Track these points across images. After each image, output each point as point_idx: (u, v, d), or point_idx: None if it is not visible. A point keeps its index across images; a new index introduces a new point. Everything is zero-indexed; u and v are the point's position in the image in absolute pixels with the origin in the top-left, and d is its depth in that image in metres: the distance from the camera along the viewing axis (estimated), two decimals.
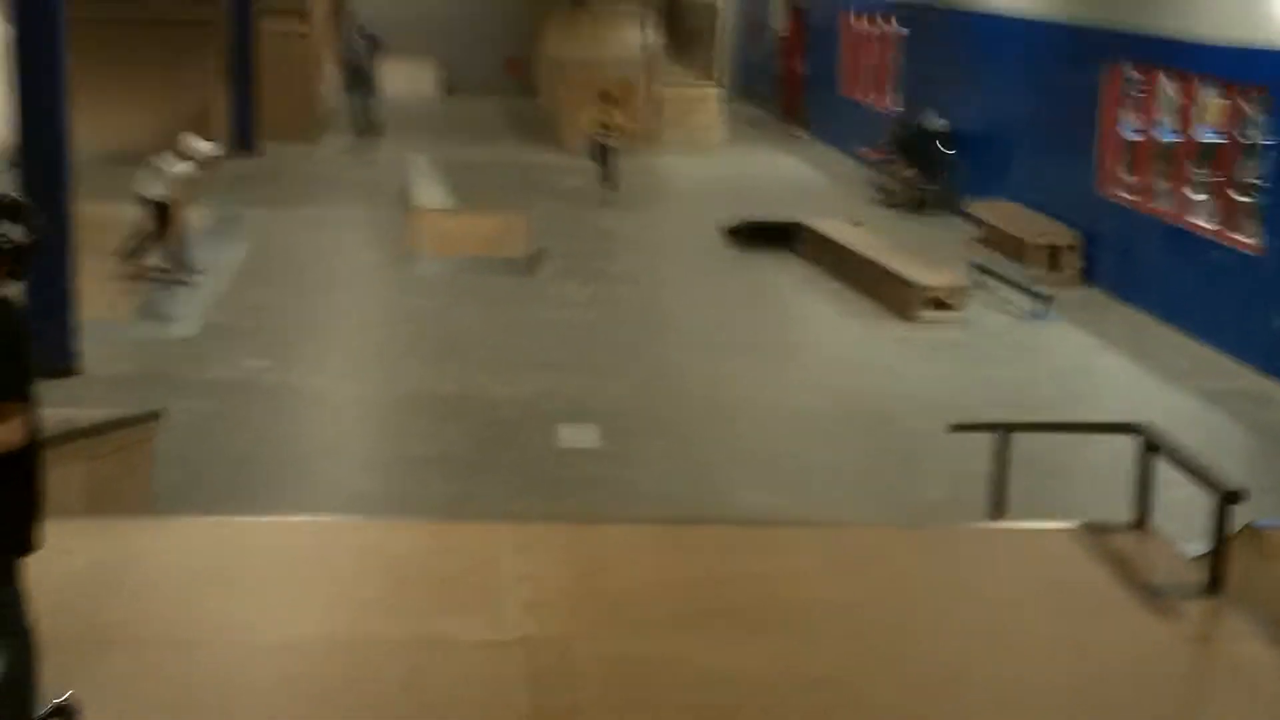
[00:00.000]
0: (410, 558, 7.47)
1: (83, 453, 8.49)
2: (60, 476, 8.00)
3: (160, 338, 14.76)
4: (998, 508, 9.48)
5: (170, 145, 17.55)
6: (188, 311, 15.67)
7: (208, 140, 18.44)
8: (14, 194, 5.76)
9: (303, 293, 17.00)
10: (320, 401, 13.28)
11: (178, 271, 16.72)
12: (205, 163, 17.54)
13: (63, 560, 6.52)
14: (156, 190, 16.85)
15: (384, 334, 15.65)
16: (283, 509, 9.95)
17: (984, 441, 9.91)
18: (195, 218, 18.01)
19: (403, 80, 35.20)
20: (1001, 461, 9.51)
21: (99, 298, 14.58)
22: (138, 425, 9.33)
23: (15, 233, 5.33)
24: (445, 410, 13.04)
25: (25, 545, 5.36)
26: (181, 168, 17.10)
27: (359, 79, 29.35)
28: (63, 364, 12.86)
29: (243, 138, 26.45)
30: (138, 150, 24.67)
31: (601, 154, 23.04)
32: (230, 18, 26.45)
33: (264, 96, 27.12)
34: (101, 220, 16.71)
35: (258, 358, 14.22)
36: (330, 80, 32.38)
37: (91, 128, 22.81)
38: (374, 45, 29.88)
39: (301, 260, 18.69)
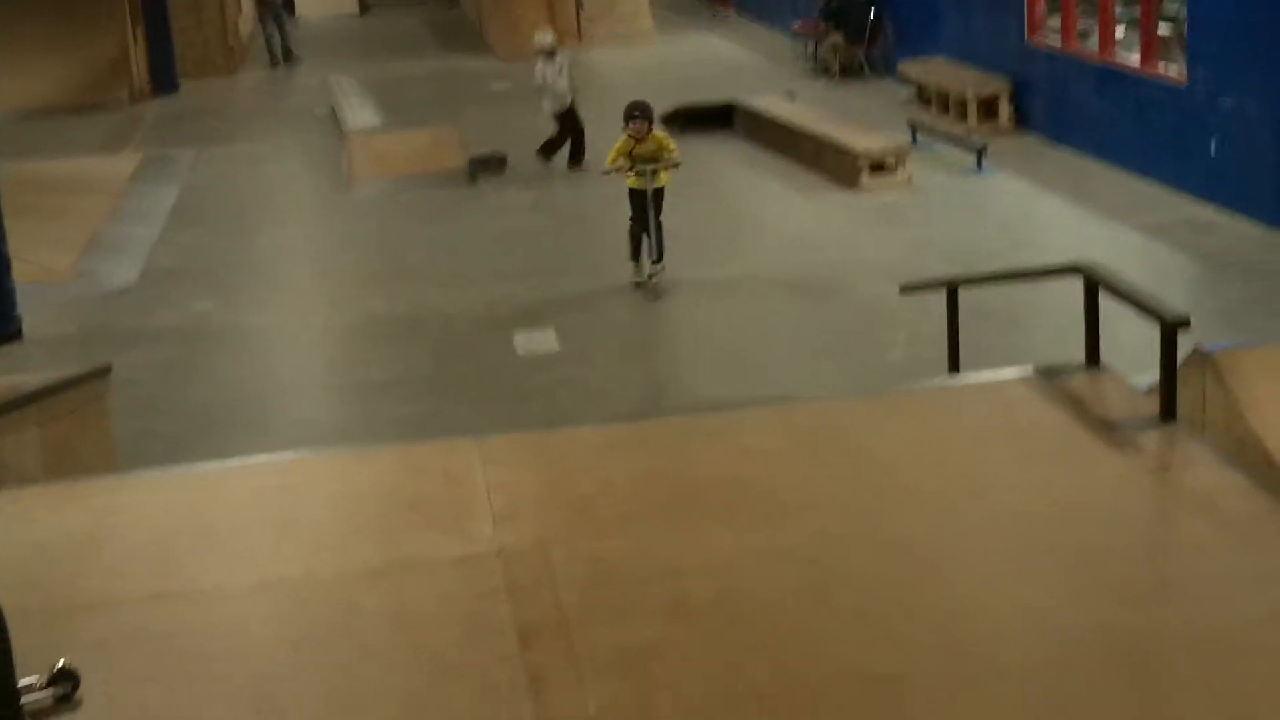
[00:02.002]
0: (378, 484, 7.46)
1: (35, 418, 8.43)
2: (14, 444, 7.99)
3: (101, 291, 14.61)
4: (954, 362, 9.54)
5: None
6: (125, 261, 15.51)
7: None
8: None
9: (240, 229, 16.87)
10: (271, 338, 13.22)
11: None
12: None
13: (26, 529, 6.50)
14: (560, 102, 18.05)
15: (328, 262, 15.56)
16: (246, 451, 9.92)
17: (937, 300, 9.95)
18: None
19: (318, 1, 34.82)
20: (953, 315, 9.55)
21: (34, 259, 14.44)
22: (89, 383, 9.25)
23: None
24: (399, 331, 13.00)
25: None
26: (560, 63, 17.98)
27: (271, 5, 28.98)
28: (2, 330, 12.76)
29: (162, 77, 26.14)
30: (58, 103, 24.50)
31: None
32: None
33: (179, 33, 26.78)
34: (27, 180, 16.54)
35: (202, 300, 14.13)
36: (245, 11, 32.01)
37: (6, 85, 22.60)
38: None
39: (235, 196, 18.53)
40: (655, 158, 13.78)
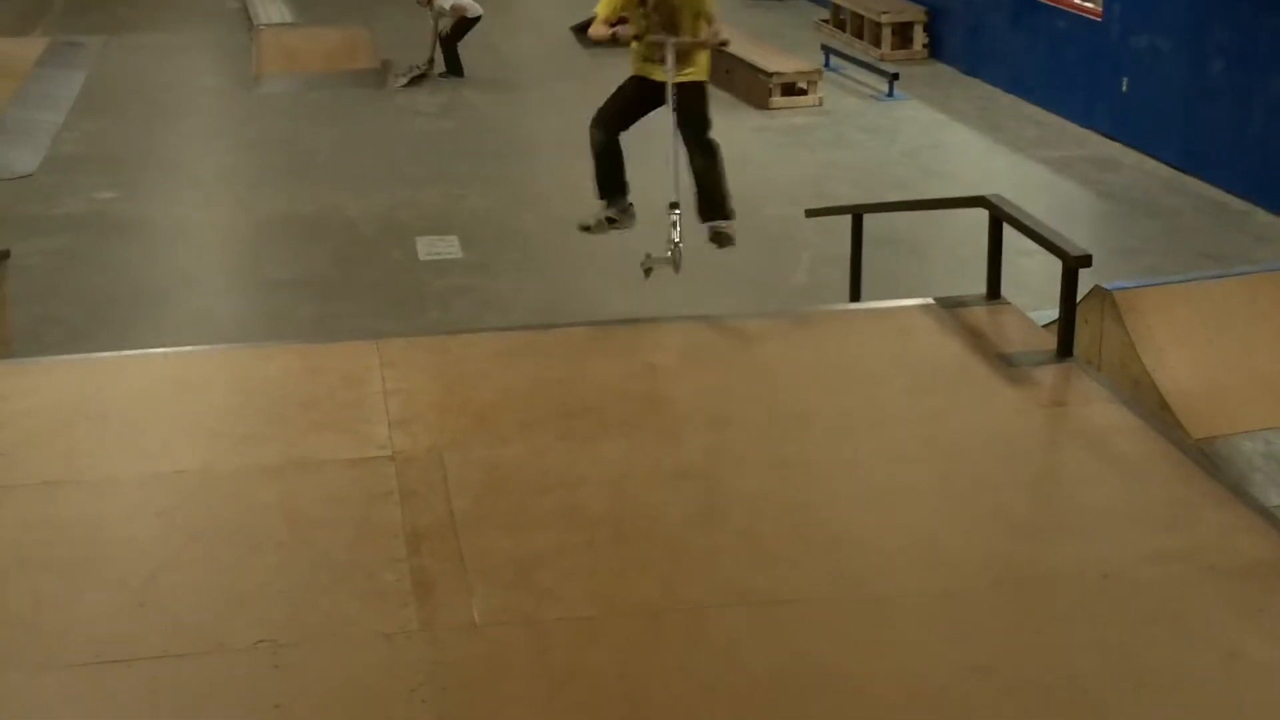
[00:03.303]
0: (277, 381, 7.43)
1: None
2: None
3: (2, 176, 14.39)
4: (855, 289, 9.62)
5: None
6: (27, 146, 15.27)
7: None
8: None
9: (147, 121, 16.64)
10: (174, 231, 13.09)
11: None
12: None
13: None
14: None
15: (234, 158, 15.41)
16: (146, 342, 9.85)
17: (842, 223, 10.02)
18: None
19: None
20: (857, 243, 9.63)
21: None
22: None
23: None
24: (303, 231, 12.92)
25: None
26: None
27: None
28: None
29: None
30: None
31: None
32: None
33: None
34: None
35: (106, 190, 13.95)
36: None
37: None
38: None
39: (143, 87, 18.25)
40: (675, 23, 8.15)
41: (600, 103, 8.29)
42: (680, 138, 8.25)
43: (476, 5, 18.31)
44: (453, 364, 7.56)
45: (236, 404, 7.16)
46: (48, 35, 20.70)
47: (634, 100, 8.40)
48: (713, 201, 8.23)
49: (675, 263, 8.29)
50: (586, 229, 8.80)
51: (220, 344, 9.20)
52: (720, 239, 8.27)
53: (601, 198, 8.63)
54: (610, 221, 8.65)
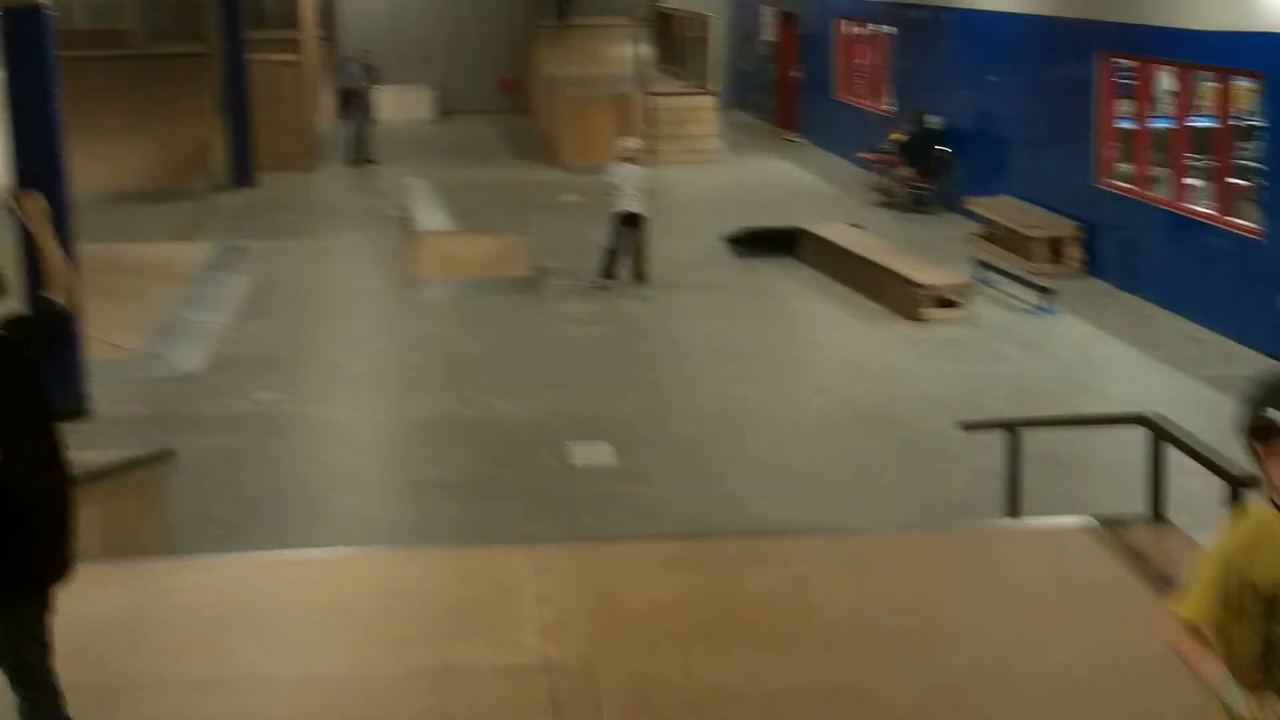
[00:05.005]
0: (429, 586, 7.48)
1: (97, 496, 8.51)
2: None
3: (168, 375, 14.75)
4: (1012, 505, 9.49)
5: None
6: (193, 347, 15.67)
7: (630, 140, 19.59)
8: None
9: (308, 323, 17.03)
10: (332, 431, 13.30)
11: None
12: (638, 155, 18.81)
13: (82, 606, 6.52)
14: (634, 205, 18.27)
15: (392, 360, 15.68)
16: (300, 542, 9.97)
17: (997, 437, 9.93)
18: None
19: (398, 104, 35.31)
20: (1014, 458, 9.52)
21: (105, 338, 14.61)
22: (151, 465, 9.35)
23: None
24: (457, 434, 13.06)
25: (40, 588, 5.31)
26: (639, 170, 18.50)
27: (356, 105, 29.44)
28: (72, 406, 12.85)
29: (240, 170, 26.51)
30: (138, 189, 24.89)
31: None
32: (223, 50, 26.50)
33: (259, 127, 27.19)
34: (104, 261, 16.74)
35: (266, 390, 14.25)
36: (325, 108, 32.47)
37: (89, 168, 22.90)
38: (370, 71, 29.98)
39: (305, 290, 18.72)
40: None
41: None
42: None
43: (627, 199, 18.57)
44: (605, 572, 7.56)
45: (387, 607, 7.20)
46: (215, 240, 21.34)
47: None
48: None
49: None
50: None
51: (372, 545, 9.28)
52: None
53: None
54: None
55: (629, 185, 18.46)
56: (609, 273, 18.46)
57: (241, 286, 18.58)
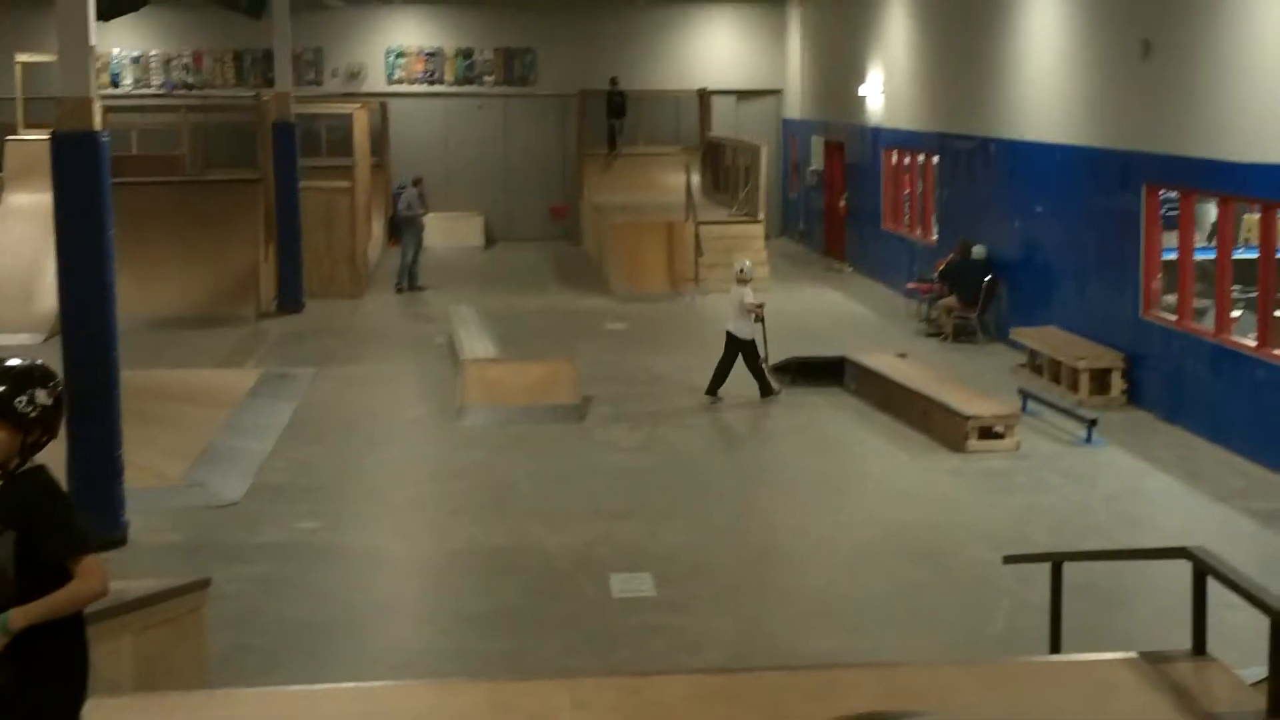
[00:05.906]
0: (467, 719, 7.42)
1: (132, 626, 8.50)
2: (110, 651, 8.02)
3: (209, 503, 14.77)
4: (1055, 639, 9.38)
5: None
6: (235, 474, 15.70)
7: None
8: (42, 363, 5.85)
9: (351, 450, 17.07)
10: (372, 561, 13.28)
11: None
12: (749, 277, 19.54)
13: None
14: (730, 324, 19.18)
15: (434, 488, 15.67)
16: (337, 674, 9.93)
17: (1040, 570, 9.84)
18: None
19: (448, 231, 35.66)
20: (1056, 592, 9.42)
21: (147, 466, 14.67)
22: (188, 594, 9.33)
23: (41, 397, 5.54)
24: (498, 564, 13.02)
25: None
26: (741, 291, 19.23)
27: (407, 232, 29.74)
28: (111, 534, 12.86)
29: (289, 296, 26.76)
30: (187, 314, 25.15)
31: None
32: (274, 177, 26.84)
33: (310, 253, 27.47)
34: (149, 388, 16.86)
35: (307, 519, 14.26)
36: (376, 235, 32.81)
37: (139, 293, 23.20)
38: (422, 198, 30.31)
39: (349, 417, 18.78)
40: None
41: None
42: None
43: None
44: (645, 706, 7.49)
45: None
46: (260, 366, 21.50)
47: None
48: None
49: None
50: None
51: (410, 679, 9.22)
52: None
53: None
54: None
55: (731, 306, 19.42)
56: (765, 389, 19.13)
57: (286, 413, 18.65)
